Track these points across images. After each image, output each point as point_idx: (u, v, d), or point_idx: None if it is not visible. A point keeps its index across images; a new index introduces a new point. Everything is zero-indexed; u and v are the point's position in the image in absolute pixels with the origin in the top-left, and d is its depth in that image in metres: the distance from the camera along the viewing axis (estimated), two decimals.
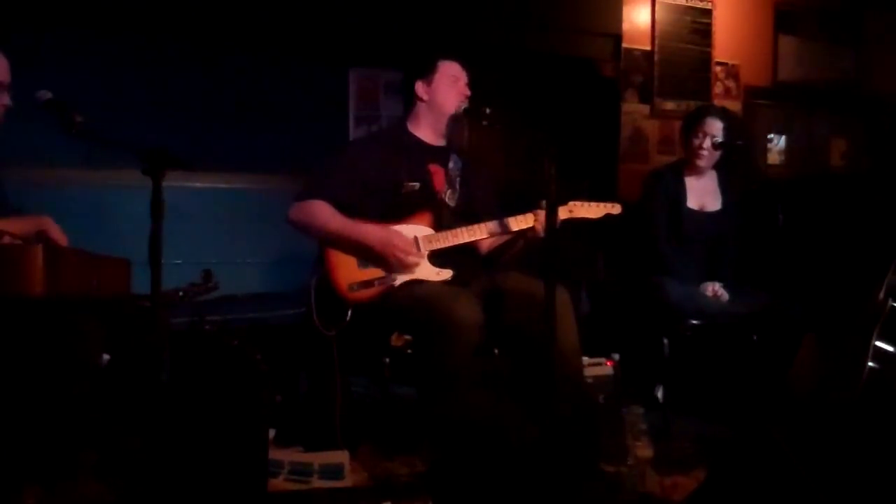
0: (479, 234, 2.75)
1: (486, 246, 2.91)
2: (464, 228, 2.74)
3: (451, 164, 2.88)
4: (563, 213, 2.72)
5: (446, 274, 2.72)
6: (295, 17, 3.73)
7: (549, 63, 4.33)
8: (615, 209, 2.82)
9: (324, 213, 2.68)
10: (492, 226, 2.75)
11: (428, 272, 2.70)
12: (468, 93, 2.82)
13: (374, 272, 2.67)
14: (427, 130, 2.87)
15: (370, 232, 2.66)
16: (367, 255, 2.66)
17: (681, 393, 3.20)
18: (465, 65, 2.85)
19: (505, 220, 2.74)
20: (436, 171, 2.85)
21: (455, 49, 2.90)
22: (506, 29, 4.13)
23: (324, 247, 2.70)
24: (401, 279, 2.67)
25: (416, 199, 2.77)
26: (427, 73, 2.83)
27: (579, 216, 2.77)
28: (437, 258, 2.73)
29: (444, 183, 2.86)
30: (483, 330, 2.50)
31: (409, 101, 2.89)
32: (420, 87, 2.84)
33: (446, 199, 2.84)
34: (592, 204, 2.80)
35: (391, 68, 4.19)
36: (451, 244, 2.73)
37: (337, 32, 3.87)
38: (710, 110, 3.39)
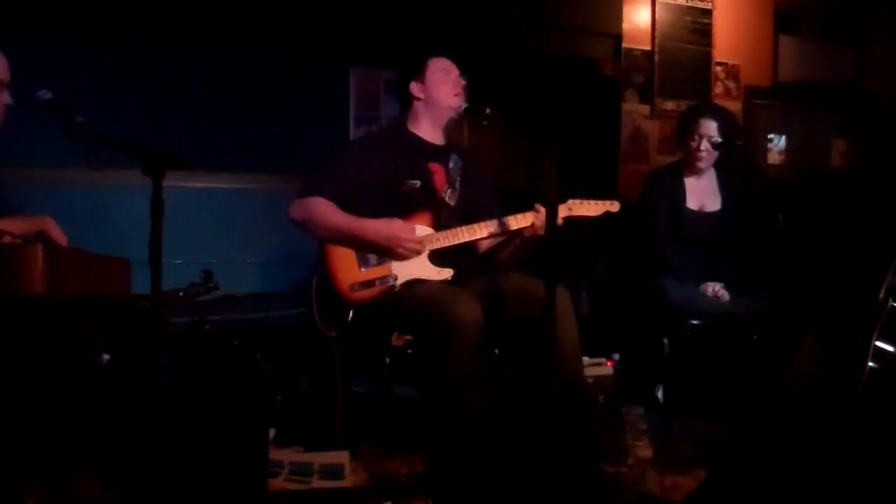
0: (480, 233, 2.75)
1: (485, 244, 2.91)
2: (464, 228, 2.74)
3: (451, 164, 2.89)
4: (562, 211, 2.71)
5: (447, 273, 2.72)
6: (295, 16, 3.73)
7: (550, 63, 4.33)
8: (614, 207, 2.82)
9: (324, 210, 2.69)
10: (492, 225, 2.75)
11: (428, 272, 2.70)
12: (463, 83, 2.84)
13: (375, 272, 2.67)
14: (427, 129, 2.88)
15: (371, 227, 2.66)
16: (371, 250, 2.67)
17: (681, 393, 3.20)
18: (454, 60, 2.88)
19: (505, 219, 2.74)
20: (436, 169, 2.86)
21: (446, 47, 2.92)
22: (506, 29, 4.13)
23: (324, 247, 2.70)
24: (402, 279, 2.67)
25: (416, 197, 2.77)
26: (418, 72, 2.85)
27: (579, 214, 2.77)
28: (438, 258, 2.73)
29: (444, 182, 2.86)
30: (483, 329, 2.50)
31: (405, 103, 2.90)
32: (415, 87, 2.85)
33: (446, 199, 2.85)
34: (591, 202, 2.80)
35: (391, 68, 4.18)
36: (451, 243, 2.73)
37: (337, 32, 3.87)
38: (703, 110, 3.38)
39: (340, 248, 2.69)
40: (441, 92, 2.82)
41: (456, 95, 2.82)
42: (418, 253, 2.68)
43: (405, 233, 2.66)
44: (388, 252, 2.67)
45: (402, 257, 2.67)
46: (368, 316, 2.65)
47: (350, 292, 2.64)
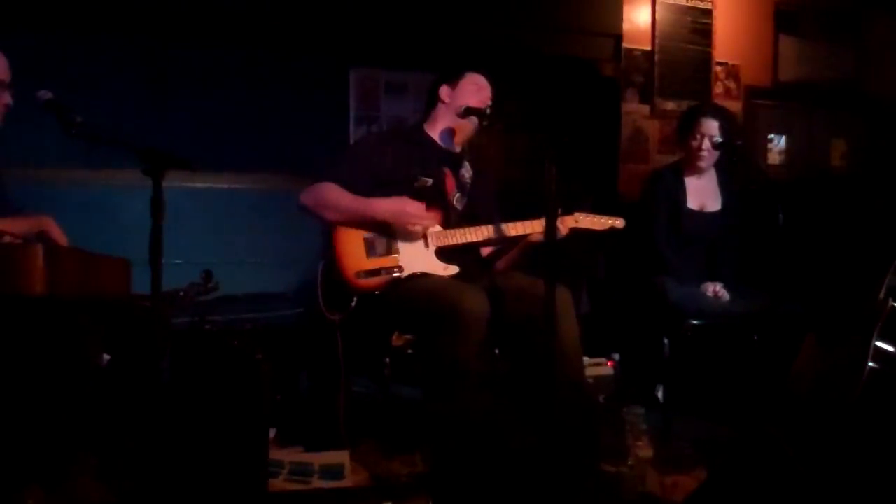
0: (487, 234, 2.77)
1: (488, 249, 2.93)
2: (472, 228, 2.76)
3: (461, 171, 2.90)
4: (569, 222, 2.76)
5: (452, 270, 2.73)
6: (295, 16, 3.74)
7: (550, 63, 4.33)
8: (619, 223, 2.85)
9: (335, 192, 2.70)
10: (499, 228, 2.76)
11: (435, 267, 2.71)
12: (490, 102, 2.86)
13: (382, 262, 2.68)
14: (443, 133, 2.89)
15: (381, 205, 2.67)
16: (381, 229, 2.68)
17: (681, 393, 3.20)
18: (491, 79, 2.91)
19: (513, 224, 2.76)
20: (447, 173, 2.87)
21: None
22: (506, 29, 4.13)
23: (332, 232, 2.70)
24: (407, 271, 2.68)
25: (427, 195, 2.78)
26: (453, 79, 2.88)
27: (584, 227, 2.80)
28: (444, 256, 2.74)
29: (454, 186, 2.87)
30: (489, 323, 2.50)
31: (430, 104, 2.93)
32: (444, 90, 2.88)
33: (454, 202, 2.86)
34: (598, 217, 2.83)
35: (392, 68, 4.19)
36: (459, 242, 2.75)
37: (338, 32, 3.87)
38: (704, 110, 3.38)
39: (349, 234, 2.69)
40: (467, 102, 2.82)
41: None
42: (425, 230, 2.67)
43: (415, 209, 2.67)
44: (398, 229, 2.67)
45: (410, 236, 2.67)
46: (372, 305, 2.65)
47: (355, 279, 2.64)
